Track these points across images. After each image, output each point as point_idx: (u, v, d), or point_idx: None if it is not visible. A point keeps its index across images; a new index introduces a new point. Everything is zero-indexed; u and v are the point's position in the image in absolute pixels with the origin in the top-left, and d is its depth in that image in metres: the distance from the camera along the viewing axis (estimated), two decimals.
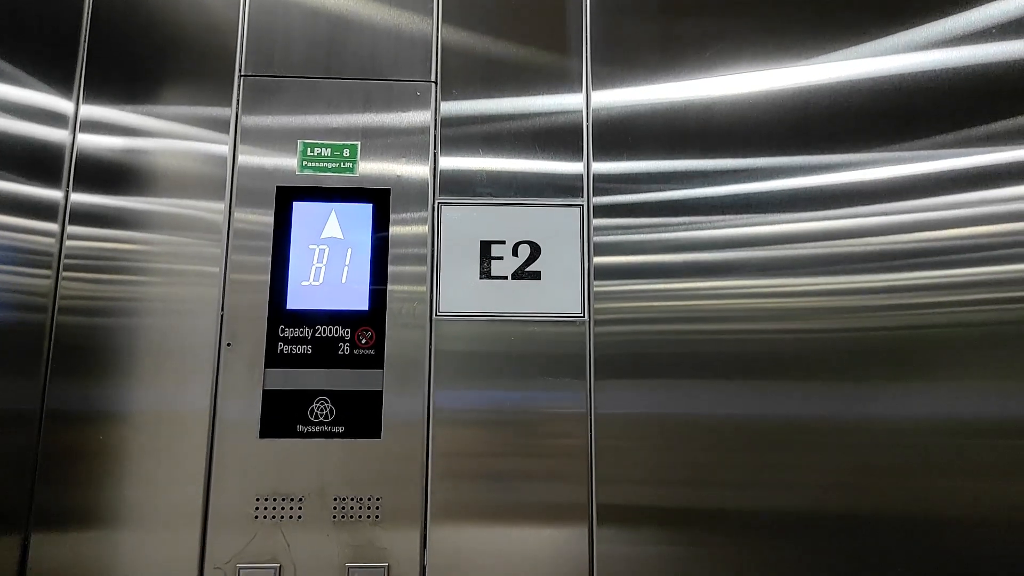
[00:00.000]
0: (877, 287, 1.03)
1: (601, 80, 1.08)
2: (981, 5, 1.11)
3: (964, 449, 0.99)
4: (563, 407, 0.98)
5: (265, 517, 0.92)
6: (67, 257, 0.97)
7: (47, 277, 0.96)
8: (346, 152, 1.03)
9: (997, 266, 1.04)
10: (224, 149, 1.02)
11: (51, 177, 0.99)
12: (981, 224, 1.05)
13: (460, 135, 1.06)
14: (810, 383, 1.00)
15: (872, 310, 1.02)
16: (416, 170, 1.04)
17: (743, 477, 0.97)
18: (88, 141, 1.01)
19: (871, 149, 1.07)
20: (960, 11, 1.11)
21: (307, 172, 1.02)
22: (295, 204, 1.01)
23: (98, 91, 1.03)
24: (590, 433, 0.97)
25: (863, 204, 1.05)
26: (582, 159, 1.05)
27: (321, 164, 1.03)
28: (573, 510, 0.95)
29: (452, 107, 1.06)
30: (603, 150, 1.06)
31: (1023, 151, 1.07)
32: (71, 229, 0.98)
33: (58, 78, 1.01)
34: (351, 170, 1.03)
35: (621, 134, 1.06)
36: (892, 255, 1.04)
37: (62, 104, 1.01)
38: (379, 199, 1.02)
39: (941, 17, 1.11)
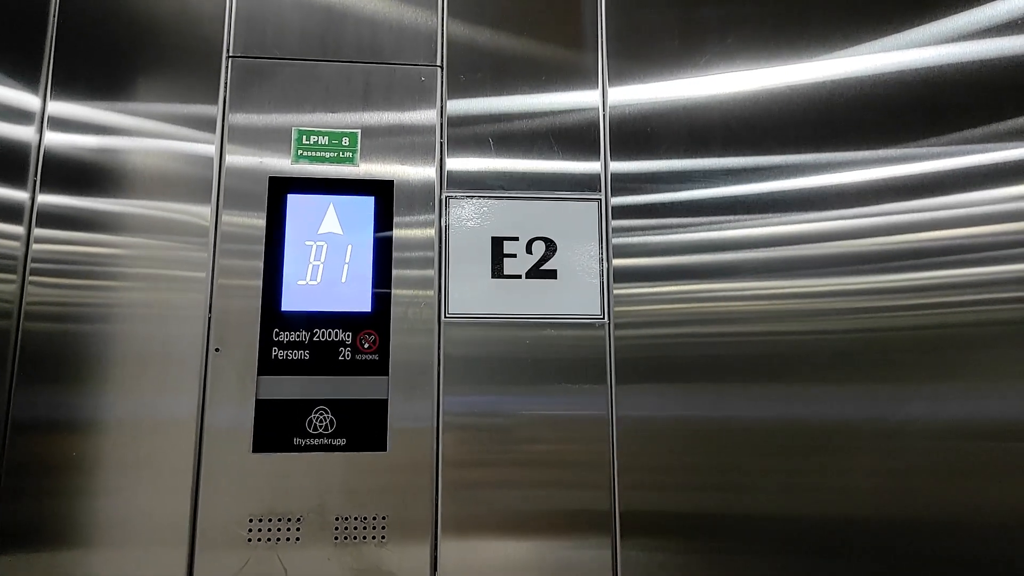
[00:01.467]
0: (908, 286, 1.00)
1: (618, 75, 1.03)
2: None
3: (1001, 452, 0.96)
4: (582, 411, 0.93)
5: (259, 540, 0.85)
6: (34, 261, 0.90)
7: (11, 282, 0.89)
8: (345, 141, 0.96)
9: None
10: (210, 147, 0.94)
11: (15, 177, 0.91)
12: (1011, 221, 1.02)
13: (469, 132, 0.99)
14: (839, 385, 0.97)
15: (904, 309, 0.99)
16: (421, 162, 0.97)
17: (771, 482, 0.94)
18: (57, 139, 0.93)
19: (899, 144, 1.03)
20: (988, 2, 1.08)
21: (302, 163, 0.95)
22: (289, 196, 0.93)
23: (68, 85, 0.95)
24: (612, 439, 0.92)
25: (891, 201, 1.02)
26: (599, 158, 1.00)
27: (318, 154, 0.95)
28: (595, 519, 0.91)
29: (460, 102, 1.00)
30: (621, 148, 1.01)
31: None
32: (38, 232, 0.91)
33: (22, 71, 0.94)
34: (351, 160, 0.95)
35: (640, 131, 1.02)
36: (921, 253, 1.01)
37: (27, 99, 0.94)
38: (382, 192, 0.94)
39: (968, 8, 1.08)
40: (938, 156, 1.03)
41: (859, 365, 0.97)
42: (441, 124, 0.98)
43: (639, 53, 1.04)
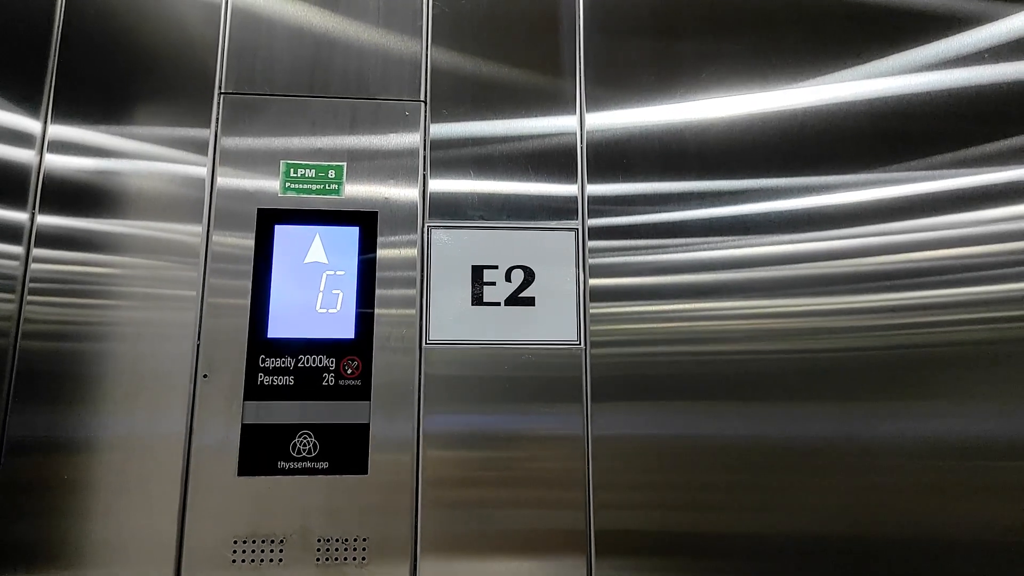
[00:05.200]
0: (877, 307, 1.02)
1: (595, 101, 1.06)
2: (974, 28, 1.12)
3: (970, 470, 0.98)
4: (558, 431, 0.95)
5: (243, 560, 0.87)
6: (32, 280, 0.92)
7: (10, 301, 0.91)
8: (331, 173, 0.99)
9: (995, 285, 1.04)
10: (202, 171, 0.98)
11: (16, 198, 0.94)
12: (978, 244, 1.05)
13: (450, 157, 1.03)
14: (812, 404, 0.99)
15: (872, 330, 1.01)
16: (405, 192, 1.00)
17: (746, 501, 0.95)
18: (56, 162, 0.97)
19: (867, 170, 1.06)
20: (954, 34, 1.11)
21: (290, 194, 0.98)
22: (277, 227, 0.96)
23: (68, 110, 0.98)
24: (587, 458, 0.94)
25: (861, 224, 1.05)
26: (576, 181, 1.03)
27: (305, 186, 0.98)
28: (571, 538, 0.92)
29: (442, 128, 1.03)
30: (598, 172, 1.04)
31: (1016, 172, 1.07)
32: (37, 252, 0.93)
33: (25, 96, 0.97)
34: (336, 192, 0.99)
35: (616, 156, 1.04)
36: (891, 275, 1.03)
37: (28, 123, 0.97)
38: (366, 222, 0.98)
39: (936, 40, 1.11)
40: (906, 181, 1.06)
41: (831, 384, 0.99)
42: (424, 155, 1.02)
43: (616, 81, 1.07)
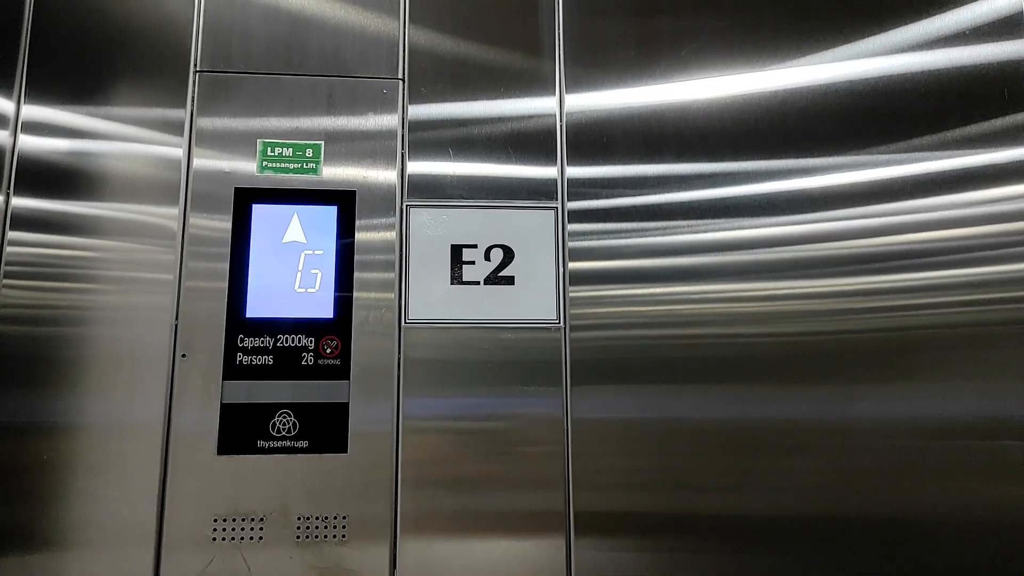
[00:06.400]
0: (857, 290, 1.02)
1: (575, 82, 1.05)
2: (955, 8, 1.11)
3: (947, 450, 0.99)
4: (538, 413, 0.95)
5: (224, 539, 0.87)
6: (7, 264, 0.92)
7: None
8: (309, 152, 0.98)
9: (976, 268, 1.04)
10: (178, 151, 0.97)
11: None
12: (959, 227, 1.05)
13: (429, 138, 1.02)
14: (791, 386, 0.99)
15: (852, 313, 1.02)
16: (383, 171, 0.99)
17: (724, 482, 0.96)
18: (30, 143, 0.95)
19: (849, 152, 1.06)
20: (936, 13, 1.11)
21: (267, 173, 0.97)
22: (254, 207, 0.96)
23: (41, 90, 0.97)
24: (566, 439, 0.95)
25: (841, 207, 1.05)
26: (556, 163, 1.02)
27: (282, 165, 0.98)
28: (550, 519, 0.93)
29: (421, 109, 1.02)
30: (577, 154, 1.03)
31: (997, 154, 1.07)
32: (12, 235, 0.93)
33: None
34: (314, 171, 0.98)
35: (596, 138, 1.04)
36: (871, 258, 1.03)
37: (2, 104, 0.95)
38: (344, 201, 0.97)
39: (917, 20, 1.11)
40: (888, 163, 1.06)
41: (809, 366, 1.00)
42: (402, 134, 1.01)
43: (596, 61, 1.06)
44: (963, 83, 1.09)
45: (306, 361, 0.92)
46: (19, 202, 0.93)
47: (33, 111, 0.96)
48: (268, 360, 0.92)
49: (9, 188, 0.93)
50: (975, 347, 1.01)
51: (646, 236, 1.02)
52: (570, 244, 1.00)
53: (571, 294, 0.99)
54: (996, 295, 1.03)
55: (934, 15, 1.11)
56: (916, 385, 1.00)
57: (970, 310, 1.03)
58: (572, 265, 0.99)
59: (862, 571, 0.95)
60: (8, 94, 0.96)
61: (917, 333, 1.02)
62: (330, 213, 0.97)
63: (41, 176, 0.94)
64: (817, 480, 0.97)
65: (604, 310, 0.99)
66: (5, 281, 0.91)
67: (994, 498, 0.98)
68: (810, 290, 1.02)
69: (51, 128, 0.96)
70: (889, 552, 0.96)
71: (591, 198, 1.02)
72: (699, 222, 1.03)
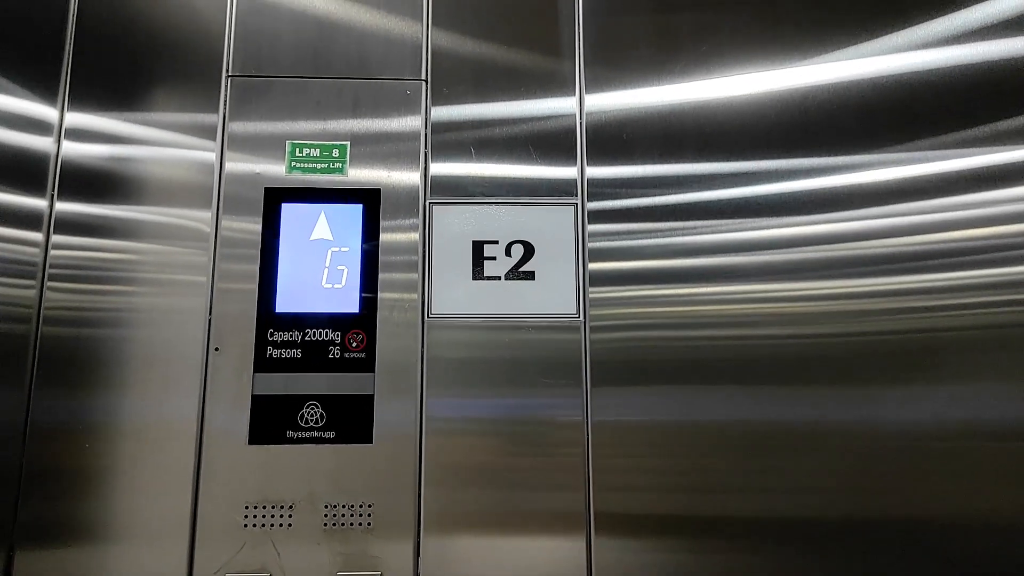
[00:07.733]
0: (879, 290, 1.01)
1: (594, 82, 1.06)
2: (982, 2, 1.09)
3: (970, 452, 0.97)
4: (559, 413, 0.96)
5: (254, 526, 0.90)
6: (52, 267, 0.95)
7: (31, 287, 0.94)
8: (335, 152, 1.01)
9: (1002, 268, 1.02)
10: (211, 155, 1.00)
11: (35, 186, 0.97)
12: (985, 226, 1.03)
13: (451, 139, 1.04)
14: (813, 388, 0.98)
15: (876, 313, 1.00)
16: (407, 171, 1.02)
17: (745, 483, 0.95)
18: (73, 149, 0.99)
19: (872, 150, 1.05)
20: (962, 8, 1.09)
21: (295, 174, 1.01)
22: (283, 206, 0.99)
23: (83, 98, 1.01)
24: (587, 440, 0.95)
25: (865, 207, 1.03)
26: (576, 163, 1.03)
27: (310, 165, 1.01)
28: (570, 519, 0.93)
29: (444, 110, 1.04)
30: (597, 154, 1.04)
31: None
32: (56, 238, 0.96)
33: (42, 85, 1.00)
34: (341, 171, 1.01)
35: (615, 137, 1.04)
36: (895, 258, 1.01)
37: (46, 112, 1.00)
38: (369, 199, 1.00)
39: (943, 14, 1.09)
40: (913, 161, 1.04)
41: (832, 367, 0.98)
42: (426, 134, 1.03)
43: (615, 61, 1.07)
44: (993, 78, 1.07)
45: (333, 354, 0.95)
46: (62, 206, 0.97)
47: (76, 118, 1.00)
48: (297, 353, 0.95)
49: (53, 192, 0.97)
50: (1002, 349, 0.99)
51: (666, 236, 1.02)
52: (590, 245, 1.01)
53: (591, 295, 0.99)
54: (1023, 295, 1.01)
55: (962, 8, 1.09)
56: (942, 386, 0.98)
57: (998, 311, 1.00)
58: (592, 266, 1.00)
59: (887, 574, 0.94)
60: (53, 102, 1.00)
61: (943, 335, 0.99)
62: (356, 211, 0.99)
63: (83, 181, 0.98)
64: (841, 482, 0.95)
65: (624, 311, 0.99)
66: (49, 284, 0.94)
67: (1017, 501, 0.96)
68: (834, 291, 1.00)
69: (92, 134, 1.00)
70: (914, 555, 0.94)
71: (611, 198, 1.03)
72: (720, 222, 1.02)
